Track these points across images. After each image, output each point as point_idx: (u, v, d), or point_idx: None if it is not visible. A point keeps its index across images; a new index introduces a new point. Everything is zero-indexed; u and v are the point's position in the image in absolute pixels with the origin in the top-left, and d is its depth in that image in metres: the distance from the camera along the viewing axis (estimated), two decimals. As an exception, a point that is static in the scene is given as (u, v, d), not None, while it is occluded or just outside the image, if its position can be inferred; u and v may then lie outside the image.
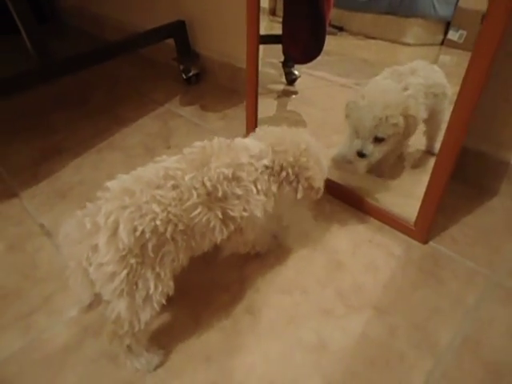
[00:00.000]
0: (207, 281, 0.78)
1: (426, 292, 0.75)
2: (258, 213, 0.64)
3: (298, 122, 1.30)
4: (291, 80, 1.36)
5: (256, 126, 1.10)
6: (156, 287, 0.56)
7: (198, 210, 0.57)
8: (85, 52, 1.19)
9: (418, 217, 0.82)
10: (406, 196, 0.92)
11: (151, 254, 0.54)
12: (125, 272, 0.52)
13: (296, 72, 1.35)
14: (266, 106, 1.22)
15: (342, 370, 0.64)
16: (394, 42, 1.19)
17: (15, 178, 1.07)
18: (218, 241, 0.63)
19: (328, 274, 0.79)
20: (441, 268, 0.79)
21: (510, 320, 0.69)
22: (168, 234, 0.55)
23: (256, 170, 0.65)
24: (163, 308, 0.60)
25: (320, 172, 0.72)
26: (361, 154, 0.87)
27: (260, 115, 1.10)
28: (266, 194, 0.66)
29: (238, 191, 0.61)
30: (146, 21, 1.48)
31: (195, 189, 0.57)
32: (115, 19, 1.79)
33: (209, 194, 0.59)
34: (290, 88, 1.38)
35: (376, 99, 0.83)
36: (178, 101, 1.38)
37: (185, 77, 1.46)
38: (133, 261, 0.53)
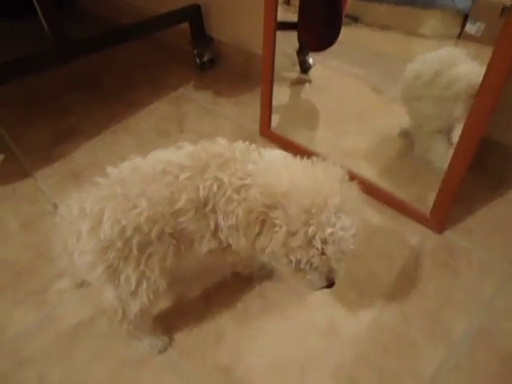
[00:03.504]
0: (219, 264, 0.78)
1: (440, 282, 0.74)
2: (242, 243, 0.54)
3: (311, 110, 1.28)
4: (305, 68, 1.34)
5: (270, 113, 1.09)
6: (139, 284, 0.53)
7: (188, 215, 0.52)
8: (100, 34, 1.18)
9: (434, 206, 0.81)
10: (422, 185, 0.90)
11: (135, 252, 0.51)
12: (104, 265, 0.51)
13: (310, 60, 1.33)
14: (280, 94, 1.21)
15: (353, 355, 0.64)
16: (409, 33, 1.16)
17: (30, 158, 1.07)
18: (204, 252, 0.57)
19: (341, 261, 0.78)
20: (456, 259, 0.77)
21: (526, 312, 0.68)
22: (153, 235, 0.51)
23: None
24: (175, 290, 0.59)
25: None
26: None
27: (274, 103, 1.09)
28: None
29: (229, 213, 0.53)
30: (161, 4, 1.47)
31: (187, 192, 0.52)
32: (130, 3, 1.78)
33: (203, 203, 0.53)
34: (304, 76, 1.36)
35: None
36: (191, 86, 1.37)
37: (199, 62, 1.45)
38: (113, 254, 0.50)
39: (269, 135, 1.10)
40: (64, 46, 1.11)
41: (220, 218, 0.53)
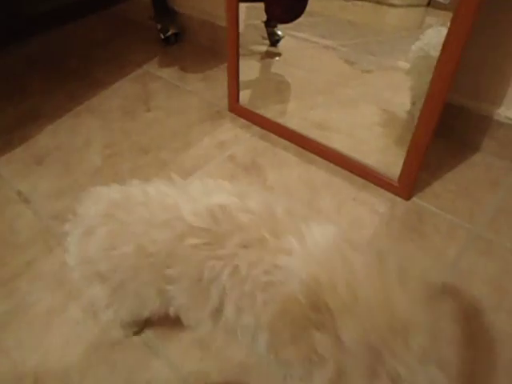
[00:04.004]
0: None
1: (409, 246, 0.76)
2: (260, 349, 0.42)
3: (281, 83, 1.27)
4: (274, 41, 1.32)
5: (238, 88, 1.07)
6: (107, 308, 0.52)
7: (179, 287, 0.44)
8: (54, 8, 1.12)
9: (401, 173, 0.82)
10: (391, 155, 0.91)
11: (112, 283, 0.48)
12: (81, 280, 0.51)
13: (279, 32, 1.31)
14: (249, 68, 1.18)
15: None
16: (379, 2, 1.15)
17: (-12, 144, 1.03)
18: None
19: (313, 232, 0.79)
20: (424, 223, 0.80)
21: (489, 269, 0.71)
22: (133, 284, 0.47)
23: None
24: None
25: None
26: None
27: (243, 77, 1.07)
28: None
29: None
30: (120, -23, 1.39)
31: (186, 264, 0.42)
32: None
33: (206, 285, 0.41)
34: (274, 49, 1.33)
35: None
36: (156, 62, 1.32)
37: (163, 37, 1.39)
38: (91, 271, 0.49)
39: (237, 110, 1.09)
40: (14, 23, 1.05)
41: (228, 309, 0.41)
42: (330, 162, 0.93)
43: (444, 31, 0.66)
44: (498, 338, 0.62)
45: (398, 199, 0.84)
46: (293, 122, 1.01)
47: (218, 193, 0.46)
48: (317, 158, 0.95)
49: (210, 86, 1.21)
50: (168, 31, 1.39)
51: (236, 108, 1.09)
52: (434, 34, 0.86)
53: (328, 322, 0.32)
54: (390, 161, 0.86)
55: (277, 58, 1.34)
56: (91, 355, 0.63)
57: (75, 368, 0.62)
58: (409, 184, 0.82)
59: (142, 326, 0.65)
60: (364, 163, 0.88)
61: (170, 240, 0.43)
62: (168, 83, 1.22)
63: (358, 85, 1.17)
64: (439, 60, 0.67)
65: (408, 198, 0.84)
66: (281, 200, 0.46)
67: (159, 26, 1.38)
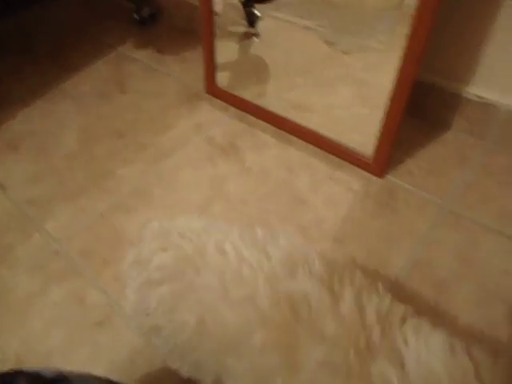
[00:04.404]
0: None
1: (381, 222, 0.79)
2: None
3: (259, 64, 1.26)
4: (252, 21, 1.30)
5: (214, 69, 1.06)
6: None
7: None
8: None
9: (375, 152, 0.84)
10: (366, 133, 0.93)
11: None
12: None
13: (257, 12, 1.29)
14: (227, 50, 1.17)
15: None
16: (358, -20, 1.15)
17: (-40, 131, 1.00)
18: None
19: (290, 211, 0.81)
20: (396, 199, 0.82)
21: (458, 242, 0.75)
22: None
23: None
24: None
25: None
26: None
27: (221, 59, 1.06)
28: None
29: None
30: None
31: None
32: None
33: None
34: (252, 30, 1.32)
35: None
36: (131, 44, 1.29)
37: (138, 17, 1.36)
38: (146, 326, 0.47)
39: (215, 92, 1.08)
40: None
41: None
42: (308, 142, 0.95)
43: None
44: (461, 308, 0.66)
45: (373, 177, 0.86)
46: (271, 103, 1.01)
47: (303, 273, 0.38)
48: (294, 138, 0.96)
49: (187, 67, 1.20)
50: (143, 12, 1.36)
51: (213, 90, 1.08)
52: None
53: None
54: (366, 140, 0.87)
55: (255, 39, 1.33)
56: (73, 336, 0.64)
57: (57, 349, 0.63)
58: (382, 162, 0.84)
59: None
60: (340, 143, 0.90)
61: (235, 327, 0.37)
62: (144, 65, 1.21)
63: (337, 65, 1.17)
64: (408, 38, 0.68)
65: (382, 175, 0.86)
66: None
67: (134, 7, 1.35)
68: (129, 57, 1.24)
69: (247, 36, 1.32)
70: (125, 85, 1.13)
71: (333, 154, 0.91)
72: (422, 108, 0.93)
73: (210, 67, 1.06)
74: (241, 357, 0.36)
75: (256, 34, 1.33)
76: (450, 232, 0.76)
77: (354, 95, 1.07)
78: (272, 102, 1.03)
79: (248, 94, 1.05)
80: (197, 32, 1.31)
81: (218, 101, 1.07)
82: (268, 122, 1.00)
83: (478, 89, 0.86)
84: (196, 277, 0.41)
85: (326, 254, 0.41)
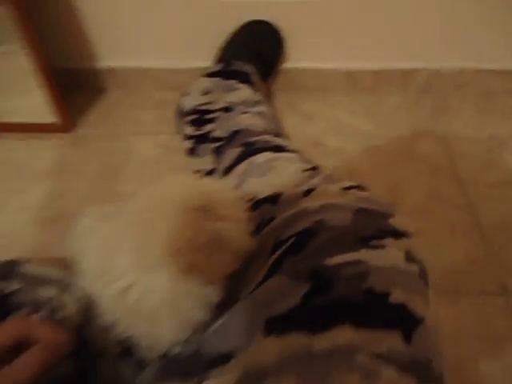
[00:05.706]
0: None
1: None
2: None
3: None
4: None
5: None
6: None
7: None
8: None
9: (55, 116, 1.11)
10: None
11: None
12: None
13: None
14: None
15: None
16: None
17: None
18: None
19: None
20: (84, 149, 1.14)
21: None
22: None
23: None
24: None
25: None
26: None
27: None
28: None
29: None
30: None
31: None
32: None
33: None
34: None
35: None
36: None
37: None
38: None
39: None
40: None
41: None
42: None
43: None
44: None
45: (65, 135, 1.14)
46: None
47: None
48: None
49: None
50: None
51: None
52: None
53: None
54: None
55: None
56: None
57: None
58: (65, 121, 1.13)
59: None
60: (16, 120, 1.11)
61: None
62: None
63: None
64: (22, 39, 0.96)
65: (68, 131, 1.15)
66: None
67: None
68: None
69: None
70: None
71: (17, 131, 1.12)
72: (83, 87, 1.27)
73: None
74: None
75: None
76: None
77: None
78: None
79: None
80: None
81: None
82: None
83: (105, 61, 1.23)
84: None
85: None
